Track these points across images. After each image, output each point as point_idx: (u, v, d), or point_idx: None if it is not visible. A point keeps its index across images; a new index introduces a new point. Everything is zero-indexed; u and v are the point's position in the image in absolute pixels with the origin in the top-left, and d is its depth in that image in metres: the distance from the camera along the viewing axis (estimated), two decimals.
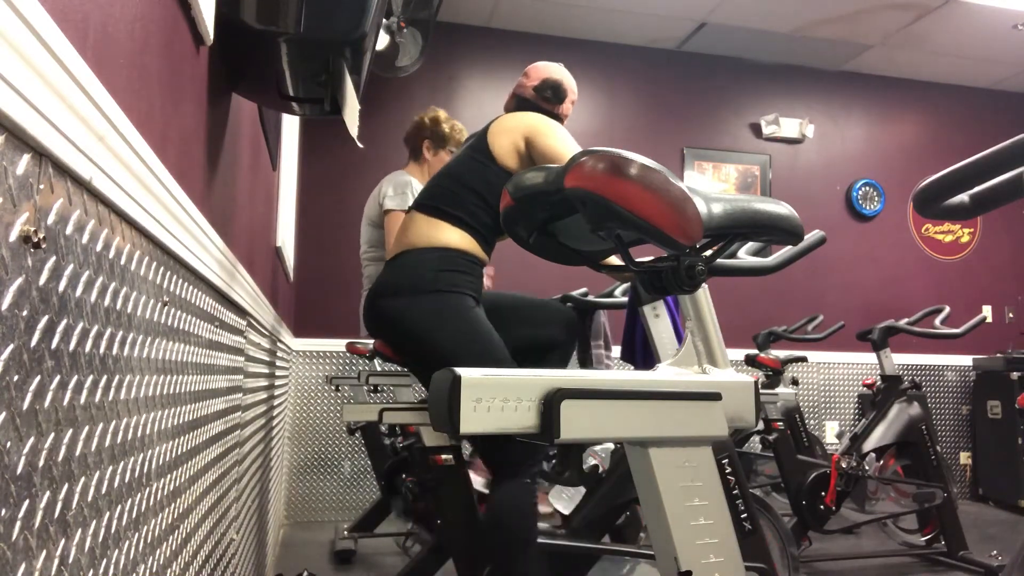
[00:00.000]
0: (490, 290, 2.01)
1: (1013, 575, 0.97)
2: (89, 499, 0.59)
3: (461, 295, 1.77)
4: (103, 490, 0.63)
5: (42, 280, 0.50)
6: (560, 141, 1.89)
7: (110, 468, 0.65)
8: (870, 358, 4.56)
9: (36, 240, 0.48)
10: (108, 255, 0.64)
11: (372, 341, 2.42)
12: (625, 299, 2.58)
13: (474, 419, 0.71)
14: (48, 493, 0.50)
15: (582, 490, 2.09)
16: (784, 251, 1.55)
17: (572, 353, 2.20)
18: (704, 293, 0.99)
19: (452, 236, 1.81)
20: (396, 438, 3.41)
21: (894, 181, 5.07)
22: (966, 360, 4.91)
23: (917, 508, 3.18)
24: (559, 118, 2.11)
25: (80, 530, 0.57)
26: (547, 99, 2.11)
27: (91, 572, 0.60)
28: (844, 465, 2.93)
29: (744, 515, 1.66)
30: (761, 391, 2.57)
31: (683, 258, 0.92)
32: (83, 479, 0.58)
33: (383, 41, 2.11)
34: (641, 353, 1.91)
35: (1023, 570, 0.96)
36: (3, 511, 0.43)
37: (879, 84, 5.15)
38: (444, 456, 1.95)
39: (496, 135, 1.93)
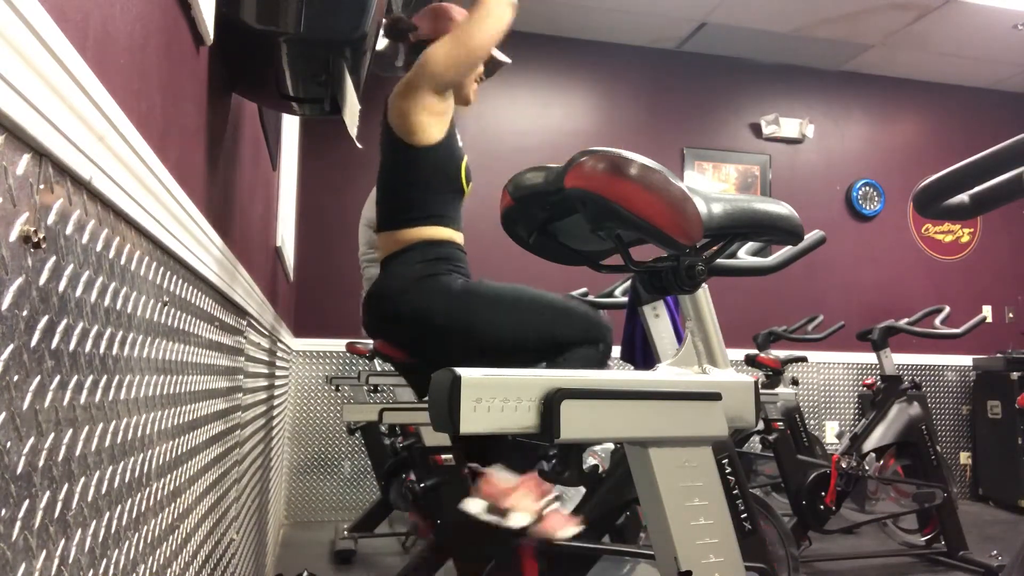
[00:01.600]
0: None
1: (1013, 575, 0.97)
2: (89, 499, 0.59)
3: (446, 275, 1.75)
4: (103, 490, 0.63)
5: (42, 280, 0.50)
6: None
7: (110, 468, 0.65)
8: (870, 358, 4.56)
9: (36, 240, 0.48)
10: (108, 255, 0.64)
11: (372, 341, 2.42)
12: (625, 299, 2.58)
13: (474, 419, 0.71)
14: (48, 493, 0.50)
15: (582, 490, 2.09)
16: (784, 251, 1.55)
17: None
18: (704, 293, 0.99)
19: (423, 232, 1.78)
20: (396, 438, 3.41)
21: (894, 181, 5.07)
22: (966, 360, 4.91)
23: (917, 508, 3.18)
24: (426, 43, 1.86)
25: (80, 530, 0.57)
26: (395, 39, 1.92)
27: (91, 572, 0.60)
28: (844, 465, 2.93)
29: (744, 515, 1.66)
30: (761, 391, 2.57)
31: (683, 258, 0.92)
32: (83, 479, 0.58)
33: (383, 41, 2.09)
34: (641, 353, 1.91)
35: (1023, 570, 0.96)
36: (3, 511, 0.43)
37: (879, 84, 5.15)
38: (444, 456, 1.95)
39: (392, 117, 1.80)
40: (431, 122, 1.76)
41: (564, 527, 1.61)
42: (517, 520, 1.55)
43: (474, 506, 1.57)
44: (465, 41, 1.70)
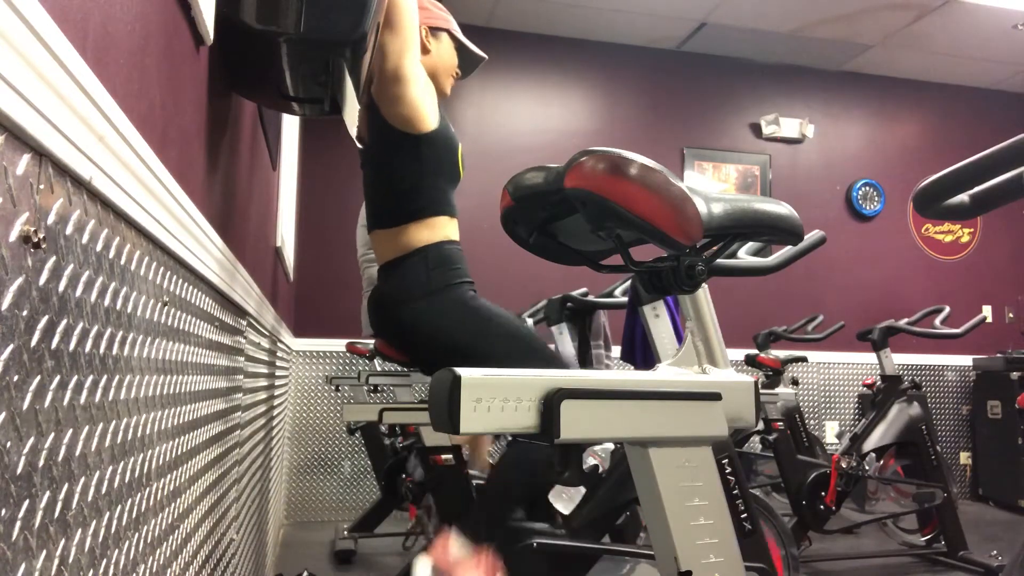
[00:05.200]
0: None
1: (1013, 575, 0.97)
2: (89, 499, 0.59)
3: (457, 287, 1.76)
4: (103, 490, 0.63)
5: (42, 280, 0.50)
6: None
7: (110, 468, 0.65)
8: (870, 358, 4.56)
9: (36, 240, 0.48)
10: (108, 255, 0.64)
11: (372, 341, 2.42)
12: (625, 299, 2.58)
13: (474, 419, 0.71)
14: (48, 493, 0.50)
15: (582, 490, 2.09)
16: (784, 251, 1.55)
17: None
18: (704, 293, 0.99)
19: (423, 232, 1.77)
20: (396, 438, 3.41)
21: (894, 181, 5.07)
22: (966, 360, 4.91)
23: (917, 508, 3.18)
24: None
25: (80, 530, 0.57)
26: None
27: (91, 572, 0.60)
28: (844, 465, 2.93)
29: (744, 515, 1.66)
30: (761, 391, 2.57)
31: (683, 258, 0.92)
32: (83, 479, 0.58)
33: None
34: (641, 353, 1.91)
35: (1023, 570, 0.96)
36: (3, 511, 0.43)
37: (879, 84, 5.15)
38: (444, 456, 1.95)
39: (387, 111, 1.75)
40: (425, 97, 1.74)
41: None
42: None
43: (421, 566, 1.58)
44: (390, 9, 1.67)
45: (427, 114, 1.74)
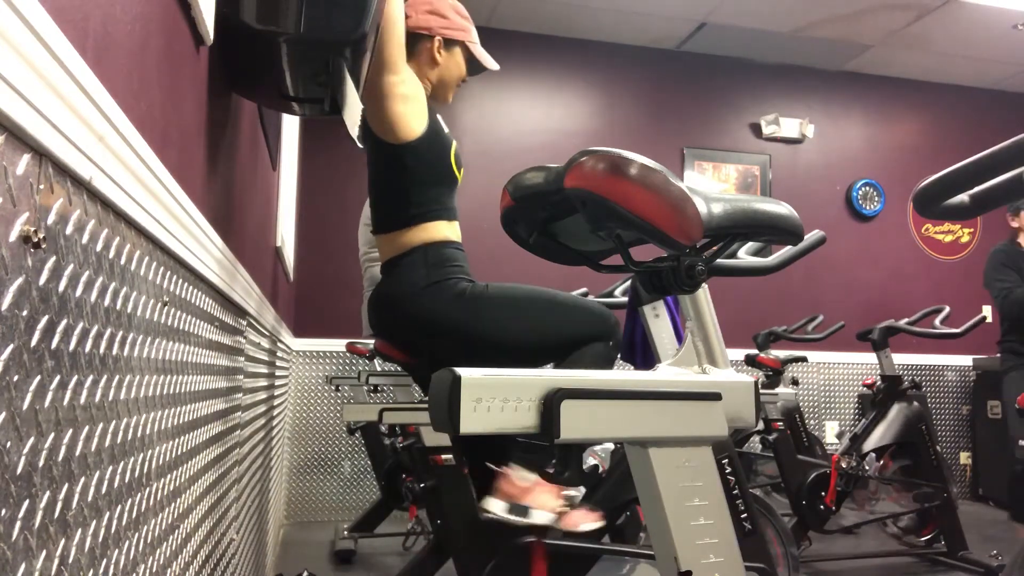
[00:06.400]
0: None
1: (1013, 575, 0.97)
2: (89, 499, 0.59)
3: (455, 280, 1.75)
4: (103, 490, 0.63)
5: (42, 280, 0.50)
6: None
7: (110, 468, 0.65)
8: (870, 358, 4.56)
9: (36, 240, 0.48)
10: (108, 255, 0.64)
11: (372, 341, 2.42)
12: (625, 299, 2.59)
13: (474, 419, 0.71)
14: (48, 493, 0.50)
15: (582, 490, 2.09)
16: (784, 251, 1.55)
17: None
18: (704, 293, 0.99)
19: (420, 234, 1.76)
20: (396, 438, 3.41)
21: (894, 181, 5.07)
22: (966, 360, 4.91)
23: (917, 508, 3.18)
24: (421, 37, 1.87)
25: (80, 530, 0.57)
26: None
27: (91, 572, 0.60)
28: (844, 465, 2.93)
29: (744, 515, 1.66)
30: (761, 391, 2.57)
31: (683, 258, 0.92)
32: (83, 479, 0.58)
33: None
34: (641, 353, 1.91)
35: (1023, 570, 0.96)
36: (3, 511, 0.43)
37: (879, 84, 5.15)
38: (444, 456, 1.95)
39: (371, 124, 1.76)
40: (406, 111, 1.72)
41: (586, 520, 1.68)
42: (539, 517, 1.62)
43: (495, 506, 1.63)
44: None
45: (407, 126, 1.73)
